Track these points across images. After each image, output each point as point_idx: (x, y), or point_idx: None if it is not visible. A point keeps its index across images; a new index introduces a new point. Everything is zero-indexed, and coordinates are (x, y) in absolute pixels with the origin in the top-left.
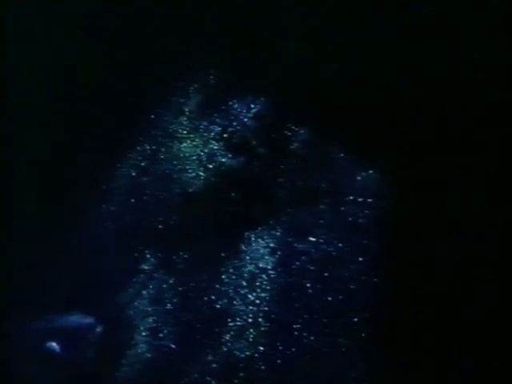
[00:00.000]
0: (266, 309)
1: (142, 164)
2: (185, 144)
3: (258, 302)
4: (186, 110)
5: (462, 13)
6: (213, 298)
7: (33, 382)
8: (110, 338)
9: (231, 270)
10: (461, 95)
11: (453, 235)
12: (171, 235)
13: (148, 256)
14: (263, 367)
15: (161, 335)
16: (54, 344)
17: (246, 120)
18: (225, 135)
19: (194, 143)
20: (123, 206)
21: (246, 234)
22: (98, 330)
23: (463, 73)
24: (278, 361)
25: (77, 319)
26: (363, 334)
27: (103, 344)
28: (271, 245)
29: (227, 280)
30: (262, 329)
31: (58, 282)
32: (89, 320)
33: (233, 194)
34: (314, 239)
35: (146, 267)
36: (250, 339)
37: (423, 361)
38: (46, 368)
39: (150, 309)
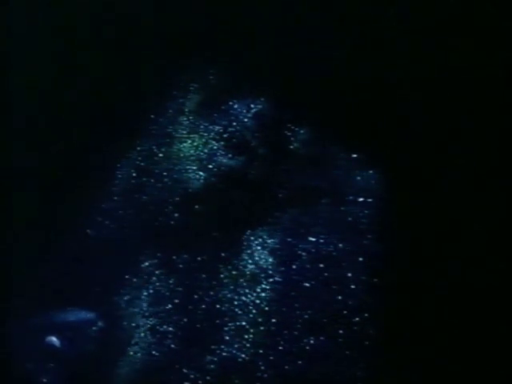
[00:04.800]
0: (266, 309)
1: (142, 164)
2: (185, 144)
3: (257, 302)
4: (186, 110)
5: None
6: (213, 297)
7: (33, 376)
8: (110, 334)
9: (231, 270)
10: (461, 95)
11: (453, 235)
12: (171, 235)
13: (148, 256)
14: (263, 367)
15: (160, 335)
16: (54, 339)
17: (245, 120)
18: (225, 135)
19: (194, 143)
20: (123, 205)
21: (246, 233)
22: (99, 325)
23: (463, 73)
24: (278, 361)
25: (77, 314)
26: (363, 334)
27: (103, 339)
28: (271, 245)
29: (227, 280)
30: (262, 329)
31: (59, 277)
32: (89, 315)
33: (233, 194)
34: (313, 239)
35: (145, 267)
36: (250, 339)
37: (423, 361)
38: (46, 362)
39: (149, 308)
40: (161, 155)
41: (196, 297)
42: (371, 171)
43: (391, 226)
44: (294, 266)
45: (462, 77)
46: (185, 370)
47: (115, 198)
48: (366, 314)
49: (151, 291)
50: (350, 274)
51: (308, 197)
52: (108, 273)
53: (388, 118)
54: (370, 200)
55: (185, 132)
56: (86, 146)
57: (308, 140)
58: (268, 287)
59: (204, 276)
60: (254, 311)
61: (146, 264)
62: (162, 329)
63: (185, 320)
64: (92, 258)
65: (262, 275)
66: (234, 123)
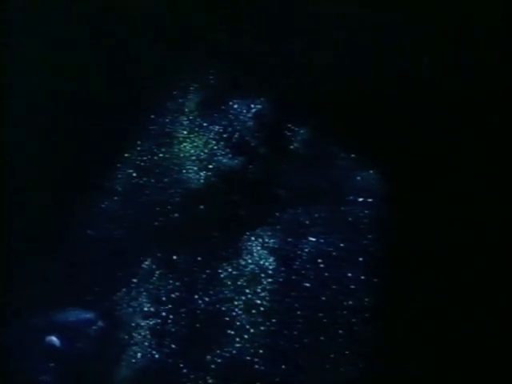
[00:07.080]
0: (266, 309)
1: (142, 164)
2: (185, 144)
3: (258, 301)
4: (186, 110)
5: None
6: (213, 297)
7: (33, 376)
8: (110, 334)
9: (231, 270)
10: (460, 96)
11: (453, 235)
12: (171, 235)
13: (148, 256)
14: (263, 367)
15: (160, 335)
16: (54, 339)
17: (246, 120)
18: (225, 135)
19: (194, 143)
20: (123, 205)
21: (246, 234)
22: (99, 325)
23: (463, 74)
24: (278, 361)
25: (77, 314)
26: (363, 334)
27: (103, 339)
28: (271, 245)
29: (227, 280)
30: (262, 329)
31: (59, 277)
32: (89, 315)
33: (233, 194)
34: (313, 239)
35: (145, 267)
36: (250, 339)
37: (423, 360)
38: (46, 362)
39: (149, 308)
40: (161, 155)
41: (196, 297)
42: (371, 171)
43: (391, 225)
44: (294, 266)
45: (461, 77)
46: (185, 370)
47: (115, 197)
48: (366, 314)
49: (151, 291)
50: (350, 274)
51: (308, 197)
52: (108, 273)
53: (388, 118)
54: (370, 200)
55: (185, 132)
56: (87, 146)
57: (308, 140)
58: (268, 287)
59: (204, 276)
60: (253, 311)
61: (146, 264)
62: (161, 329)
63: (185, 320)
64: (92, 258)
65: (262, 275)
66: (234, 123)
